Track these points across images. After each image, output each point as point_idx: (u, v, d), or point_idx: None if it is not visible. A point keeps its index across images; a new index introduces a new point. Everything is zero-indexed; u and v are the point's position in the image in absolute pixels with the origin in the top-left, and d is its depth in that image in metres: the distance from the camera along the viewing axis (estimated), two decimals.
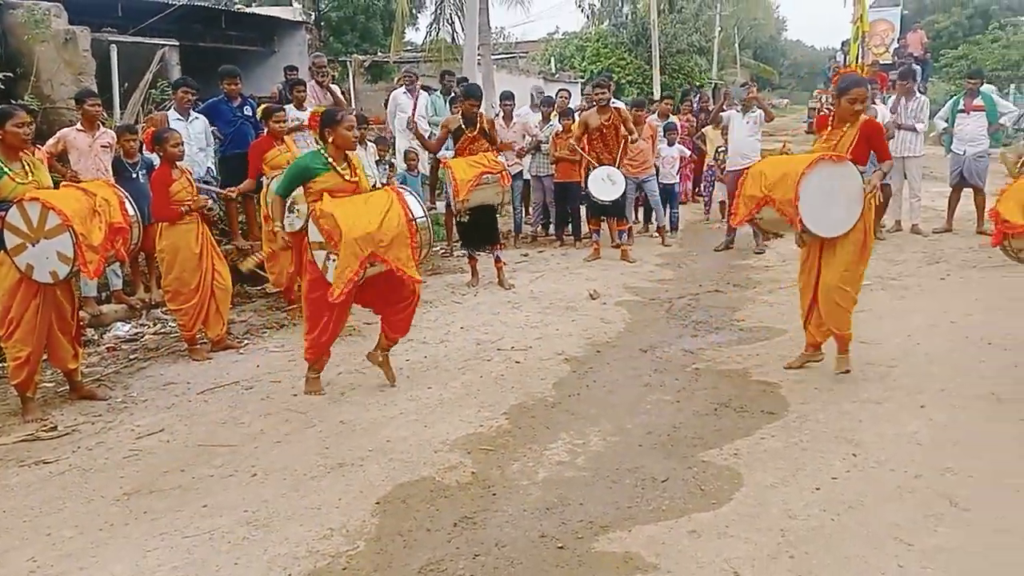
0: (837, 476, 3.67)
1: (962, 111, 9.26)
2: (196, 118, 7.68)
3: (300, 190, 6.36)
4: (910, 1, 41.33)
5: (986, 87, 10.08)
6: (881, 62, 17.56)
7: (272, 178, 6.54)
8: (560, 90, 11.64)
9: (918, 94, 9.61)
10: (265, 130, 6.95)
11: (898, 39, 18.08)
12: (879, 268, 7.92)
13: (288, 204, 6.41)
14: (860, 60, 17.56)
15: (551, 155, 9.45)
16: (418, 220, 4.73)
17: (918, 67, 15.63)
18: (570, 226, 9.91)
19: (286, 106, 7.73)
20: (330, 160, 4.72)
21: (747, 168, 8.82)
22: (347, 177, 4.74)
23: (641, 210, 10.67)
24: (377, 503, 3.60)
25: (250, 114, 7.90)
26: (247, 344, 6.18)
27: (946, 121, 9.58)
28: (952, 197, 9.44)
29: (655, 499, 3.54)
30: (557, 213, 9.88)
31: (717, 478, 3.72)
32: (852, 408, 4.45)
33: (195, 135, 7.52)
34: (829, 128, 4.77)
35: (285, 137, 6.94)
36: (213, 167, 7.98)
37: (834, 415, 4.37)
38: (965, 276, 7.14)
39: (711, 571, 2.97)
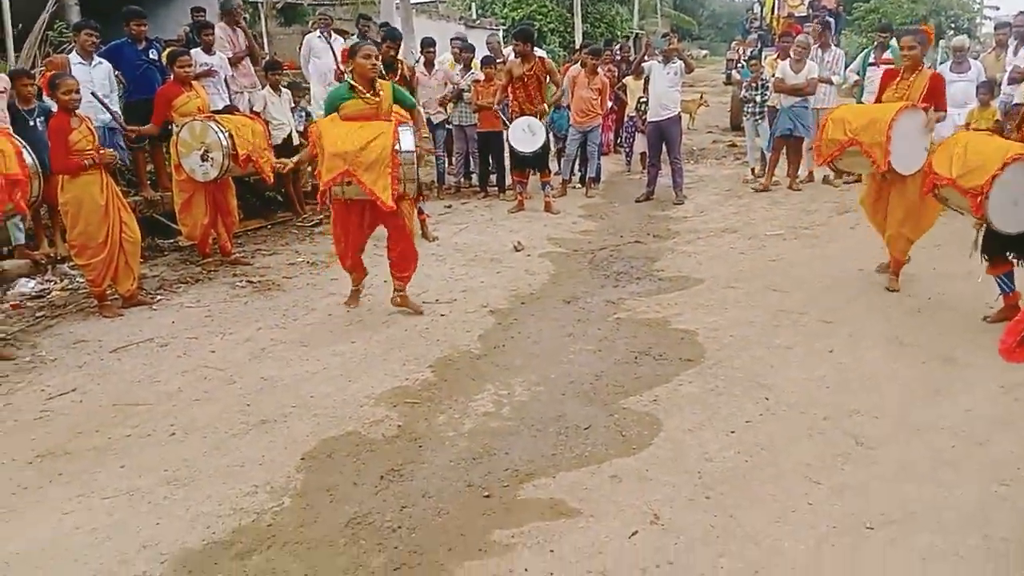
0: (751, 419, 3.82)
1: (873, 64, 9.47)
2: (99, 63, 7.23)
3: (215, 138, 6.20)
4: None
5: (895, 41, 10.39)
6: (796, 14, 17.81)
7: (183, 125, 6.28)
8: (454, 38, 11.38)
9: (833, 47, 9.81)
10: (171, 75, 6.64)
11: None
12: (792, 218, 8.18)
13: (202, 152, 6.22)
14: (776, 12, 17.86)
15: (473, 104, 9.33)
16: (403, 153, 4.96)
17: (832, 20, 15.96)
18: (494, 177, 9.85)
19: (193, 50, 7.37)
20: (355, 87, 5.12)
21: (670, 118, 9.05)
22: (367, 102, 5.11)
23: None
24: (302, 459, 3.58)
25: (156, 58, 7.49)
26: (160, 300, 5.98)
27: (858, 73, 9.83)
28: None
29: (578, 446, 3.62)
30: (480, 163, 9.81)
31: (637, 424, 3.82)
32: (765, 354, 4.62)
33: (98, 80, 7.08)
34: (899, 79, 5.31)
35: (194, 83, 6.65)
36: (119, 113, 7.58)
37: (748, 361, 4.53)
38: None
39: (632, 514, 3.07)
